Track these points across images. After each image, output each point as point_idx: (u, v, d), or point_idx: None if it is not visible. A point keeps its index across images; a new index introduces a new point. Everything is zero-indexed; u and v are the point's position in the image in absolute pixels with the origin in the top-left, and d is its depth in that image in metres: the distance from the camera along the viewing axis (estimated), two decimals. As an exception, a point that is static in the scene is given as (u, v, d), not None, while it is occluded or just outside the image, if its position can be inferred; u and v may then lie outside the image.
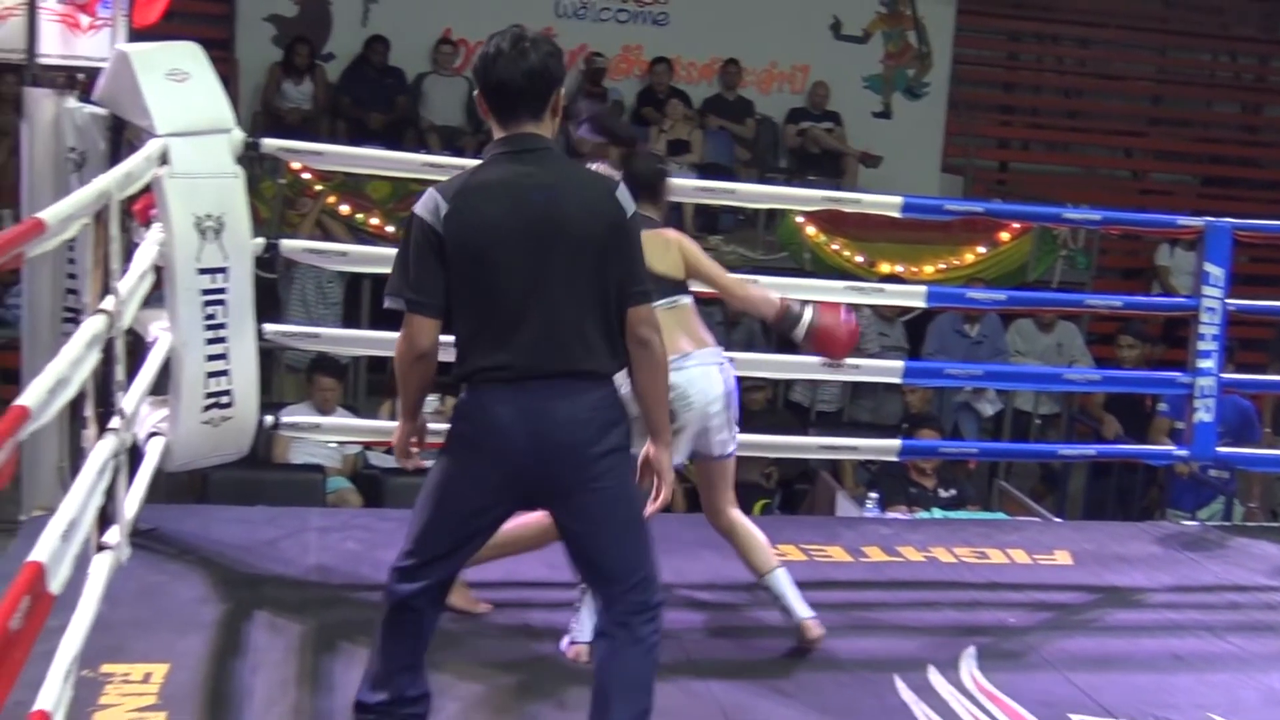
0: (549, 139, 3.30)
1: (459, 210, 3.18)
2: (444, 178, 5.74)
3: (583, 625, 4.14)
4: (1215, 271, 5.64)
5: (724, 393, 4.17)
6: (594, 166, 4.00)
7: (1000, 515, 7.06)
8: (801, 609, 4.34)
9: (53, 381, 2.56)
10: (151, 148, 3.97)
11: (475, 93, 3.36)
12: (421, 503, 3.39)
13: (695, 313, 4.26)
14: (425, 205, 3.22)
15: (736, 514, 4.40)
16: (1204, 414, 5.76)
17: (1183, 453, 6.02)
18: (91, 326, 3.02)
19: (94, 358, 2.94)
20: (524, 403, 3.19)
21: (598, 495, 3.24)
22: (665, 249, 4.21)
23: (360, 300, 9.18)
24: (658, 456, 3.43)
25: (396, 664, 3.42)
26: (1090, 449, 6.97)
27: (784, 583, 4.35)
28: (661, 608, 3.35)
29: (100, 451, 3.22)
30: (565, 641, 4.21)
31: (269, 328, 4.81)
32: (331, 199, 9.28)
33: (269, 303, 5.49)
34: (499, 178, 3.24)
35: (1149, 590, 5.30)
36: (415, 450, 3.54)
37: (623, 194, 3.28)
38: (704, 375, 4.12)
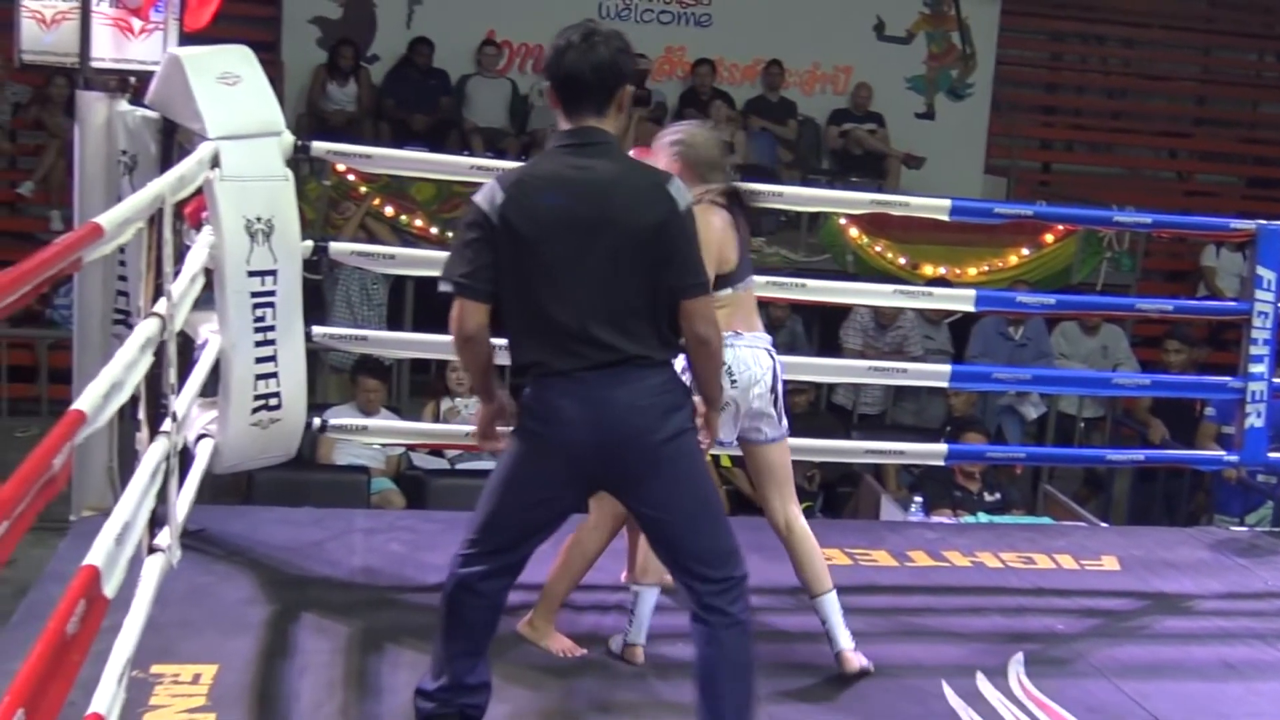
0: (611, 134, 3.32)
1: (514, 200, 3.22)
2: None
3: (638, 626, 4.15)
4: (1268, 275, 5.57)
5: (769, 375, 4.08)
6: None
7: (1046, 520, 7.01)
8: (844, 639, 4.19)
9: (107, 385, 2.57)
10: (203, 151, 3.98)
11: (545, 84, 3.39)
12: (488, 492, 3.42)
13: (752, 301, 4.18)
14: (484, 193, 3.27)
15: (797, 517, 4.21)
16: (1255, 419, 5.70)
17: (1233, 458, 5.96)
18: (145, 329, 3.03)
19: (147, 361, 2.96)
20: (584, 393, 3.22)
21: (667, 480, 3.27)
22: None
23: (404, 302, 9.22)
24: (708, 415, 3.52)
25: (456, 649, 3.44)
26: (1139, 454, 6.90)
27: (832, 608, 4.19)
28: (746, 581, 3.37)
29: (152, 454, 3.24)
30: (618, 642, 4.20)
31: (317, 330, 4.83)
32: (375, 201, 9.31)
33: (314, 304, 5.51)
34: (555, 170, 3.28)
35: (1198, 597, 5.25)
36: (500, 431, 3.55)
37: (676, 187, 3.29)
38: (752, 355, 4.06)
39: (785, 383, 4.19)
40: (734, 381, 3.97)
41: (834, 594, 4.18)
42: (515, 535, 3.40)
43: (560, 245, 3.21)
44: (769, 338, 4.19)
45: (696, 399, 3.48)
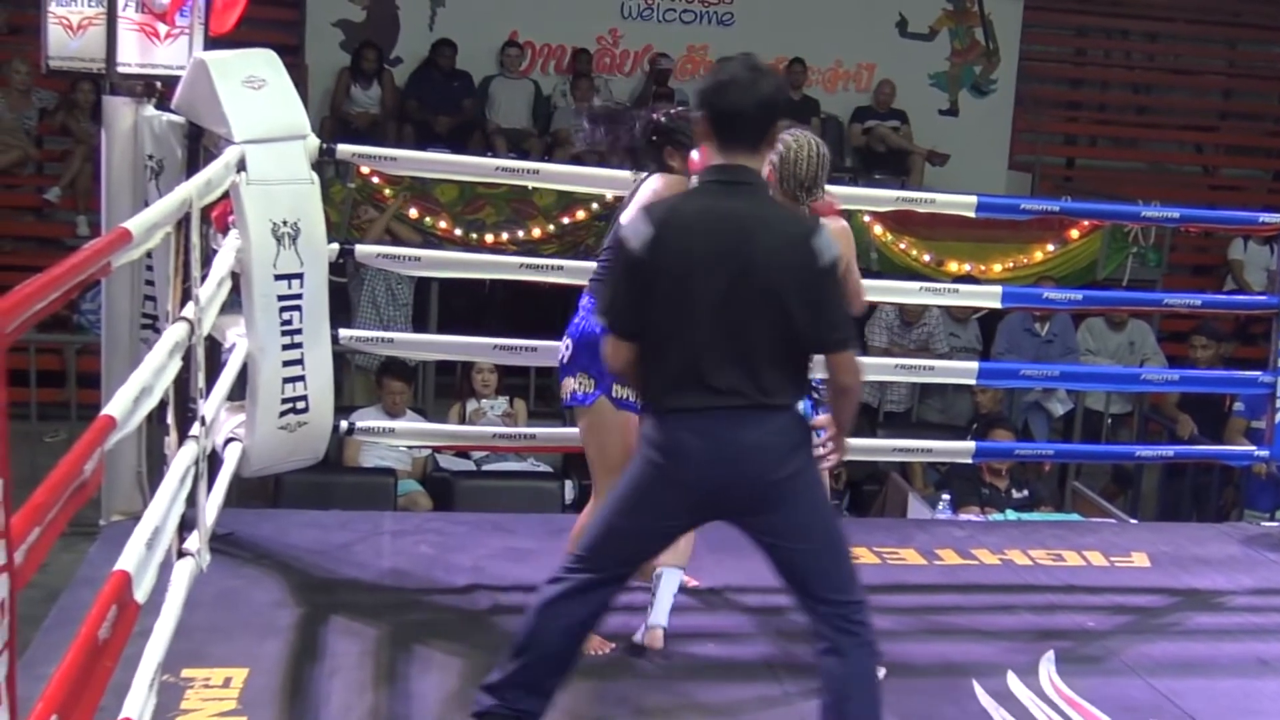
0: (758, 174, 3.33)
1: (661, 238, 3.24)
2: (516, 182, 5.85)
3: (660, 608, 4.16)
4: (1297, 269, 5.54)
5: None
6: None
7: (1074, 516, 6.98)
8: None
9: (137, 390, 2.57)
10: (229, 155, 3.99)
11: (695, 116, 3.36)
12: (604, 513, 3.45)
13: None
14: (632, 229, 3.30)
15: None
16: (1285, 414, 5.67)
17: (1263, 453, 5.93)
18: (174, 334, 3.04)
19: (176, 365, 2.96)
20: (712, 431, 3.24)
21: (789, 513, 3.28)
22: None
23: (429, 302, 9.23)
24: (838, 439, 3.56)
25: (535, 655, 3.42)
26: (1168, 450, 6.86)
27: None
28: (867, 603, 3.38)
29: (181, 459, 3.24)
30: (640, 633, 4.20)
31: (343, 333, 4.84)
32: (403, 205, 9.31)
33: (339, 305, 5.53)
34: (702, 209, 3.29)
35: (1230, 593, 5.22)
36: None
37: (821, 239, 3.27)
38: None
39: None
40: None
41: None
42: (623, 557, 3.43)
43: (699, 285, 3.22)
44: None
45: (823, 418, 3.50)
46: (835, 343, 3.31)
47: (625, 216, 4.24)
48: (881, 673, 3.97)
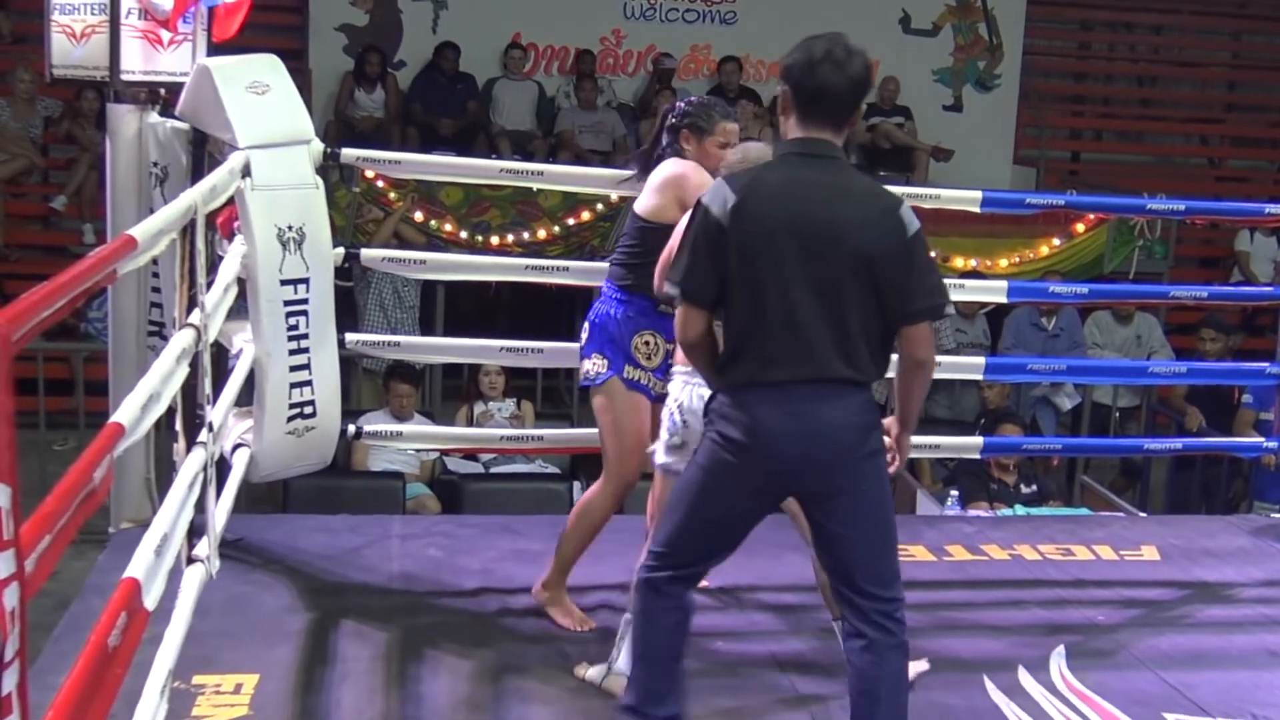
0: (840, 147, 3.30)
1: (744, 205, 3.21)
2: (521, 184, 5.84)
3: (626, 655, 3.94)
4: (1304, 260, 5.54)
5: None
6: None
7: (1084, 511, 6.98)
8: None
9: (145, 397, 2.57)
10: (234, 160, 3.99)
11: (781, 89, 3.33)
12: (676, 503, 3.42)
13: None
14: (713, 196, 3.26)
15: None
16: (1293, 405, 5.66)
17: (1272, 445, 5.92)
18: (180, 341, 3.04)
19: (183, 372, 2.96)
20: (790, 406, 3.21)
21: (858, 498, 3.26)
22: None
23: (435, 305, 9.24)
24: (901, 438, 3.47)
25: (654, 654, 3.45)
26: (1177, 442, 6.86)
27: None
28: (904, 603, 3.35)
29: (190, 465, 3.25)
30: (598, 671, 4.00)
31: (350, 337, 4.84)
32: (411, 211, 9.33)
33: (345, 309, 5.53)
34: (786, 179, 3.26)
35: (1240, 585, 5.21)
36: None
37: (906, 211, 3.25)
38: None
39: None
40: (687, 410, 3.83)
41: None
42: (706, 546, 3.42)
43: (783, 256, 3.18)
44: None
45: (887, 420, 3.44)
46: (918, 313, 3.26)
47: (641, 204, 4.26)
48: (924, 666, 3.99)
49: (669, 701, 3.45)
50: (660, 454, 3.95)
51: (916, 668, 3.92)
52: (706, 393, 3.68)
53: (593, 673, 4.01)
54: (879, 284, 3.19)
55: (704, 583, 4.66)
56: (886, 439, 3.42)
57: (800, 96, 3.25)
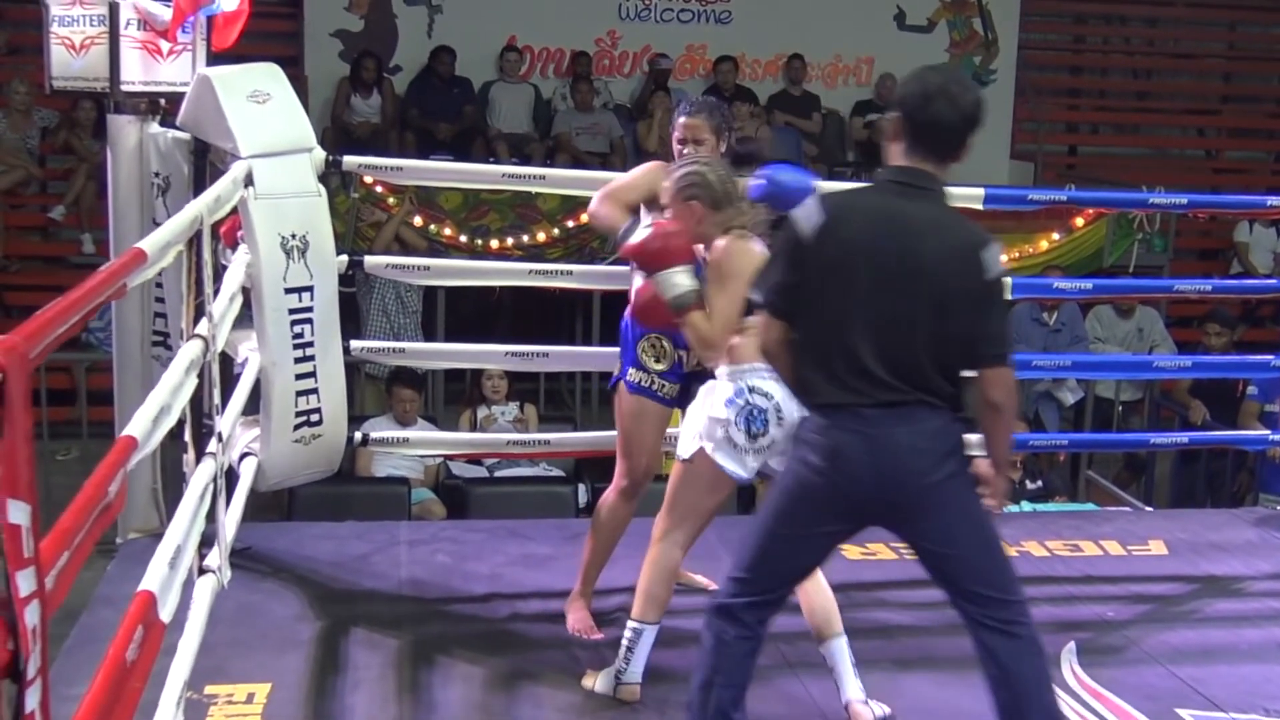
0: (942, 182, 3.30)
1: (831, 226, 3.22)
2: (522, 189, 5.85)
3: (636, 664, 3.96)
4: (1307, 252, 5.53)
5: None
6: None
7: (1089, 506, 6.97)
8: (853, 688, 3.91)
9: (156, 410, 2.57)
10: (237, 170, 3.99)
11: (892, 116, 3.31)
12: (759, 525, 3.42)
13: None
14: (803, 211, 3.27)
15: None
16: (1298, 397, 5.66)
17: (1278, 437, 5.91)
18: (189, 352, 3.04)
19: (193, 383, 2.96)
20: (866, 430, 3.21)
21: (945, 518, 3.25)
22: None
23: (436, 310, 9.23)
24: (996, 480, 3.39)
25: (719, 681, 3.42)
26: (1182, 436, 6.85)
27: (840, 655, 3.91)
28: (1026, 603, 3.34)
29: (200, 476, 3.24)
30: (607, 681, 3.99)
31: (355, 344, 4.84)
32: (411, 216, 9.32)
33: (349, 313, 5.52)
34: (877, 206, 3.28)
35: (1248, 578, 5.22)
36: None
37: (990, 254, 3.24)
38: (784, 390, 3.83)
39: None
40: (780, 421, 3.74)
41: (841, 639, 3.91)
42: (784, 571, 3.41)
43: (865, 281, 3.19)
44: None
45: (981, 461, 3.39)
46: (992, 358, 3.26)
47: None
48: (885, 711, 3.95)
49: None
50: (734, 462, 3.77)
51: (879, 709, 3.89)
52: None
53: (601, 684, 3.99)
54: (955, 321, 3.20)
55: (712, 585, 4.69)
56: (980, 471, 3.38)
57: (911, 127, 3.25)
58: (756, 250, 3.80)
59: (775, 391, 3.70)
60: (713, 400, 3.78)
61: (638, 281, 4.00)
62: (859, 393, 3.20)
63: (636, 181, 4.33)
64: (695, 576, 4.72)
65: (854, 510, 3.30)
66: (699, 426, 3.80)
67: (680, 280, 3.74)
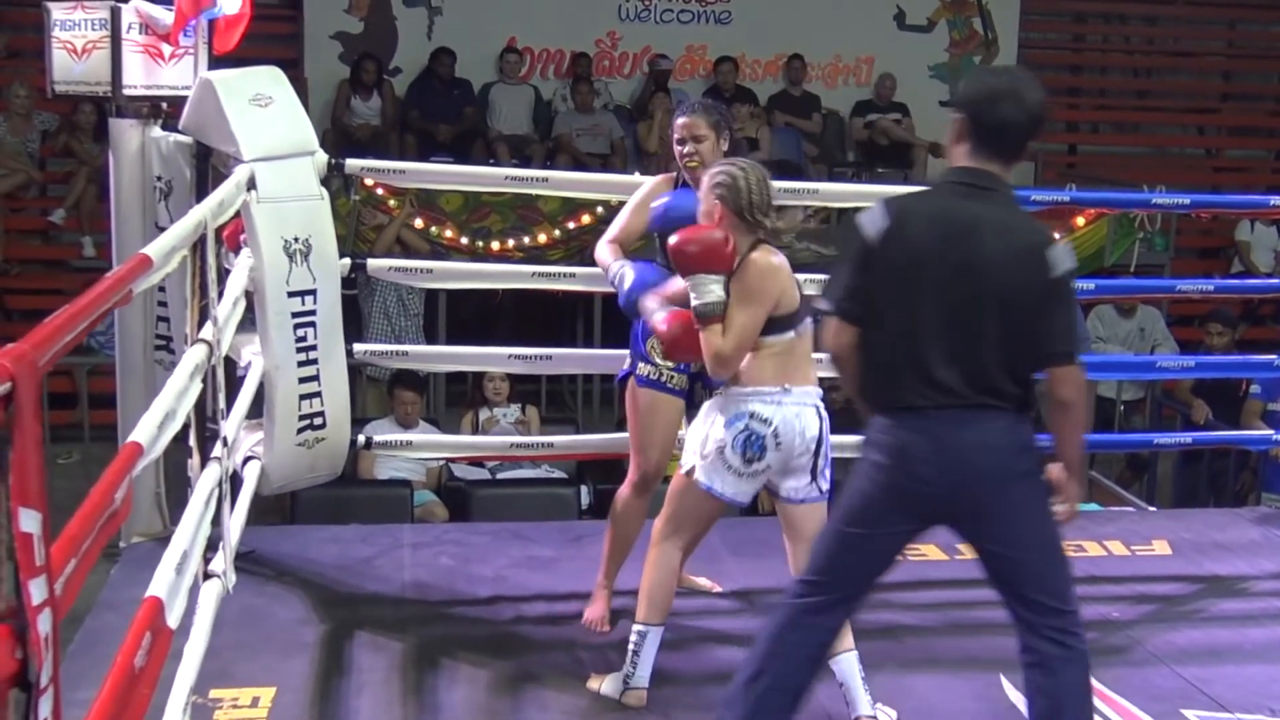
0: (1005, 181, 3.30)
1: (896, 228, 3.23)
2: (524, 191, 5.84)
3: (643, 668, 3.95)
4: (1310, 251, 5.53)
5: (815, 436, 3.79)
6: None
7: (1093, 506, 6.96)
8: (863, 704, 3.85)
9: (161, 415, 2.57)
10: (240, 174, 3.99)
11: (956, 117, 3.30)
12: (828, 528, 3.44)
13: (808, 346, 3.87)
14: (869, 216, 3.28)
15: None
16: (1302, 397, 5.66)
17: (1281, 436, 5.92)
18: (194, 356, 3.04)
19: (197, 388, 2.96)
20: (933, 430, 3.22)
21: (1012, 520, 3.26)
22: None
23: (437, 312, 9.23)
24: (1068, 485, 3.38)
25: (771, 684, 3.39)
26: (1186, 436, 6.85)
27: (849, 670, 3.85)
28: (1079, 614, 3.34)
29: (206, 480, 3.24)
30: (614, 684, 3.99)
31: (358, 347, 4.84)
32: (413, 219, 9.31)
33: (350, 316, 5.51)
34: (942, 208, 3.28)
35: (1253, 578, 5.21)
36: None
37: (1056, 251, 3.24)
38: (799, 416, 3.77)
39: (827, 436, 3.83)
40: (778, 444, 3.75)
41: (853, 655, 3.85)
42: (855, 573, 3.39)
43: (930, 283, 3.20)
44: (819, 390, 3.87)
45: (1053, 466, 3.39)
46: (1061, 355, 3.26)
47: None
48: (892, 715, 3.96)
49: None
50: (721, 481, 3.80)
51: (886, 714, 3.89)
52: (800, 410, 3.71)
53: (608, 687, 3.99)
54: (1022, 320, 3.20)
55: (716, 588, 4.69)
56: (1052, 476, 3.38)
57: (978, 129, 3.25)
58: (783, 269, 3.77)
59: (775, 417, 3.72)
60: (714, 419, 3.79)
61: (655, 311, 3.98)
62: (925, 395, 3.21)
63: (635, 216, 4.37)
64: (698, 579, 4.72)
65: (921, 510, 3.31)
66: (698, 443, 3.82)
67: (714, 289, 3.70)
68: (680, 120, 4.27)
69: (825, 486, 3.83)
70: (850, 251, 3.31)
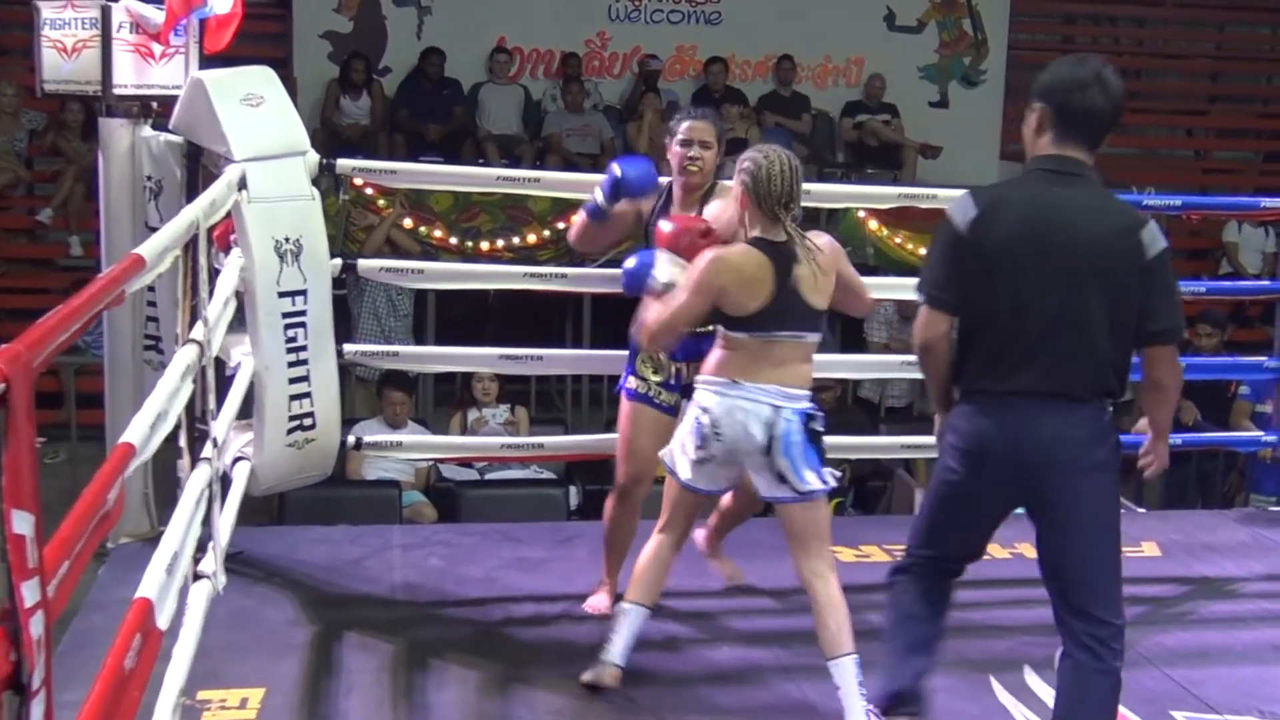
0: (1092, 167, 3.35)
1: (986, 217, 3.29)
2: (515, 191, 5.81)
3: (619, 646, 3.97)
4: (1300, 253, 5.55)
5: (765, 438, 3.74)
6: None
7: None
8: (855, 709, 3.76)
9: (153, 416, 2.56)
10: (231, 174, 3.98)
11: (1037, 107, 3.36)
12: (925, 505, 3.59)
13: (779, 353, 3.80)
14: (958, 207, 3.34)
15: (816, 578, 3.85)
16: (1291, 398, 5.68)
17: (1271, 438, 5.93)
18: (185, 357, 3.02)
19: (189, 389, 2.95)
20: (1013, 417, 3.29)
21: (1076, 510, 3.31)
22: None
23: (426, 312, 9.22)
24: (1156, 446, 3.58)
25: (902, 646, 3.58)
26: (1176, 438, 6.85)
27: (844, 674, 3.79)
28: (1124, 630, 3.39)
29: (196, 481, 3.23)
30: (592, 674, 3.99)
31: (348, 348, 4.83)
32: (403, 220, 9.29)
33: (339, 316, 5.48)
34: (1032, 196, 3.33)
35: (1242, 580, 5.22)
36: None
37: (1150, 232, 3.29)
38: (746, 411, 3.75)
39: (813, 437, 3.79)
40: (718, 434, 3.77)
41: (850, 659, 3.79)
42: (951, 546, 3.53)
43: (1022, 270, 3.26)
44: (791, 390, 3.78)
45: (1140, 423, 3.55)
46: (1158, 334, 3.33)
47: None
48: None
49: (901, 679, 3.60)
50: (684, 469, 3.92)
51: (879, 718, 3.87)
52: (747, 405, 3.74)
53: (588, 675, 4.00)
54: (1115, 303, 3.25)
55: (739, 577, 4.70)
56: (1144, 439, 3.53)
57: (1064, 117, 3.31)
58: (742, 270, 3.76)
59: (716, 408, 3.78)
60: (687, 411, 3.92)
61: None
62: (1011, 380, 3.27)
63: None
64: (729, 567, 4.73)
65: (997, 493, 3.39)
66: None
67: (670, 270, 3.95)
68: (689, 123, 4.27)
69: (806, 488, 3.79)
70: (943, 243, 3.37)
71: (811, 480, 3.79)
